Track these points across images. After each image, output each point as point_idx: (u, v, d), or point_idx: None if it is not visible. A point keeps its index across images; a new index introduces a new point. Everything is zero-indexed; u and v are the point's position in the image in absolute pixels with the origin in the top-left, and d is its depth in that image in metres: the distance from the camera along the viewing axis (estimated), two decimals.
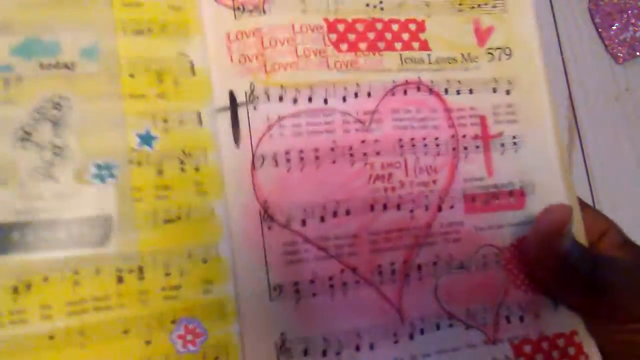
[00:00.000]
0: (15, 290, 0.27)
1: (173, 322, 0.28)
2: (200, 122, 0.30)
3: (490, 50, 0.35)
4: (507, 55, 0.35)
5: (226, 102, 0.30)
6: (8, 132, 0.28)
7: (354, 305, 0.30)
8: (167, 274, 0.29)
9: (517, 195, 0.34)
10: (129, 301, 0.28)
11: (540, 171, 0.34)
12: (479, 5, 0.35)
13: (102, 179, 0.29)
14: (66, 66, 0.29)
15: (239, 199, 0.29)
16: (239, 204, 0.29)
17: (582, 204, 0.35)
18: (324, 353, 0.29)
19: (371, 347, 0.30)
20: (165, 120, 0.30)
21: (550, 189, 0.34)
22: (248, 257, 0.29)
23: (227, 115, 0.30)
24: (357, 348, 0.30)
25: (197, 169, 0.30)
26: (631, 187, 0.60)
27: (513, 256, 0.33)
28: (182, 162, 0.30)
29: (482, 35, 0.35)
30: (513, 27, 0.35)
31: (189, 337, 0.28)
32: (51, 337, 0.27)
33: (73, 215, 0.28)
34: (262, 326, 0.29)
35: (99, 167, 0.29)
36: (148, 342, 0.28)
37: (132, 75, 0.30)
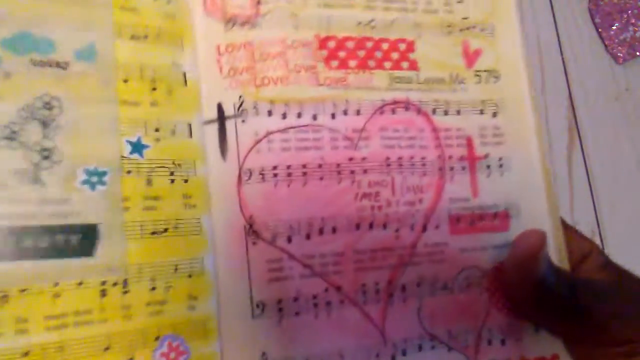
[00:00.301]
0: None
1: (157, 338, 0.27)
2: (190, 133, 0.30)
3: (478, 73, 0.35)
4: (494, 78, 0.35)
5: (214, 114, 0.30)
6: None
7: (337, 325, 0.30)
8: (153, 288, 0.28)
9: (501, 217, 0.34)
10: (112, 316, 0.27)
11: (525, 194, 0.34)
12: (467, 28, 0.35)
13: (92, 185, 0.27)
14: (59, 65, 0.28)
15: (224, 213, 0.29)
16: (225, 219, 0.29)
17: (566, 226, 0.36)
18: None
19: None
20: (157, 130, 0.29)
21: (534, 211, 0.34)
22: (231, 273, 0.29)
23: (215, 127, 0.30)
24: None
25: (186, 181, 0.29)
26: (631, 187, 0.60)
27: (495, 278, 0.33)
28: (172, 173, 0.29)
29: (470, 57, 0.35)
30: (500, 50, 0.36)
31: (172, 355, 0.27)
32: (26, 354, 0.25)
33: (59, 223, 0.27)
34: (243, 345, 0.28)
35: (89, 173, 0.27)
36: (131, 359, 0.27)
37: (126, 81, 0.29)
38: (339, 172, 0.31)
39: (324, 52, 0.32)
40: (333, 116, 0.31)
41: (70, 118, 0.28)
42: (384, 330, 0.31)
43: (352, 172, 0.31)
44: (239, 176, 0.29)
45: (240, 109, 0.30)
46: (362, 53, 0.33)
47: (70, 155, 0.27)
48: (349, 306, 0.30)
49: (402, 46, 0.34)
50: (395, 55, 0.34)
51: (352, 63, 0.32)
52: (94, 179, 0.27)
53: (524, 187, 0.35)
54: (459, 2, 0.35)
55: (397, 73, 0.33)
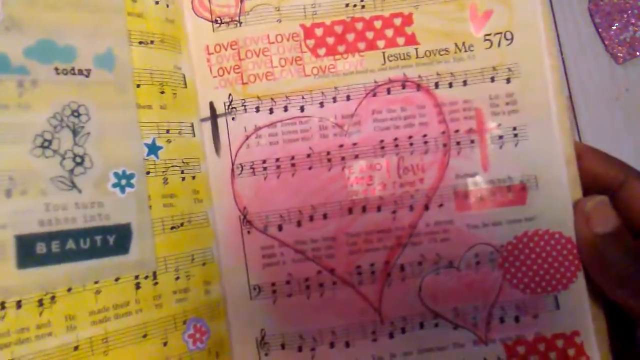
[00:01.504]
0: (41, 303, 0.27)
1: (184, 322, 0.31)
2: (193, 132, 0.32)
3: (487, 37, 0.33)
4: (507, 40, 0.33)
5: (208, 112, 0.32)
6: (26, 139, 0.28)
7: (330, 305, 0.32)
8: (177, 278, 0.31)
9: (516, 190, 0.32)
10: (146, 306, 0.30)
11: (544, 164, 0.32)
12: None
13: (122, 188, 0.30)
14: (81, 72, 0.29)
15: (222, 206, 0.32)
16: (223, 211, 0.32)
17: (593, 151, 0.33)
18: (299, 348, 0.31)
19: (347, 344, 0.31)
20: (168, 131, 0.31)
21: (554, 182, 0.32)
22: (231, 260, 0.32)
23: (209, 125, 0.32)
24: (332, 345, 0.31)
25: (193, 177, 0.32)
26: None
27: (510, 254, 0.32)
28: (182, 172, 0.32)
29: (479, 20, 0.33)
30: (515, 6, 0.33)
31: (197, 336, 0.31)
32: (76, 348, 0.27)
33: (96, 225, 0.29)
34: (244, 323, 0.32)
35: (118, 176, 0.30)
36: (165, 344, 0.30)
37: (139, 86, 0.31)
38: (329, 160, 0.32)
39: (311, 42, 0.32)
40: (322, 105, 0.32)
41: (97, 124, 0.29)
42: (380, 309, 0.32)
43: (343, 158, 0.32)
44: (232, 170, 0.32)
45: (230, 107, 0.32)
46: (351, 36, 0.33)
47: (100, 160, 0.29)
48: (343, 287, 0.32)
49: (398, 21, 0.33)
50: (389, 33, 0.33)
51: (341, 48, 0.32)
52: (123, 181, 0.30)
53: (542, 157, 0.32)
54: None
55: (391, 51, 0.33)
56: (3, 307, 0.26)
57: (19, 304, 0.27)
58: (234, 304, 0.32)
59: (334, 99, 0.32)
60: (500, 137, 0.32)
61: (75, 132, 0.29)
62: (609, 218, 0.31)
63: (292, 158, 0.32)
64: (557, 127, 0.32)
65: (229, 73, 0.32)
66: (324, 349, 0.31)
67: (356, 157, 0.32)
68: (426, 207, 0.32)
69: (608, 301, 0.32)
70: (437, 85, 0.33)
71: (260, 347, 0.31)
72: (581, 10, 0.60)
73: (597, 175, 0.32)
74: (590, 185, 0.33)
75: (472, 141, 0.32)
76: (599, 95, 0.59)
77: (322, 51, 0.32)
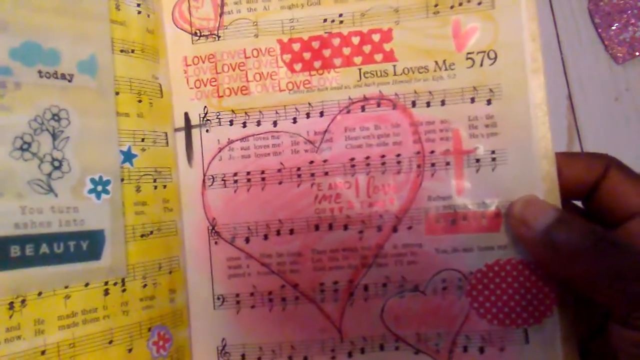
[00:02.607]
0: (11, 306, 0.27)
1: (149, 329, 0.31)
2: (167, 142, 0.33)
3: (470, 55, 0.31)
4: (490, 59, 0.31)
5: (182, 123, 0.33)
6: (6, 141, 0.28)
7: (292, 320, 0.32)
8: (144, 285, 0.32)
9: (491, 216, 0.31)
10: (114, 312, 0.30)
11: (522, 190, 0.31)
12: (460, 4, 0.31)
13: (97, 194, 0.31)
14: (64, 77, 0.30)
15: (191, 215, 0.33)
16: (192, 220, 0.33)
17: (570, 155, 0.32)
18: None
19: (305, 359, 0.32)
20: (143, 139, 0.32)
21: None
22: (197, 269, 0.33)
23: (183, 135, 0.33)
24: (290, 359, 0.32)
25: (165, 187, 0.33)
26: None
27: (479, 282, 0.31)
28: (155, 180, 0.33)
29: (461, 38, 0.31)
30: (500, 25, 0.31)
31: (161, 343, 0.32)
32: (43, 352, 0.28)
33: (70, 230, 0.29)
34: (206, 331, 0.33)
35: (94, 182, 0.30)
36: (130, 350, 0.30)
37: (117, 93, 0.31)
38: (299, 176, 0.32)
39: (287, 56, 0.32)
40: (294, 120, 0.32)
41: (77, 129, 0.30)
42: (340, 328, 0.32)
43: (313, 175, 0.32)
44: (204, 181, 0.33)
45: (205, 119, 0.33)
46: (327, 52, 0.32)
47: (78, 165, 0.30)
48: (305, 303, 0.32)
49: (377, 37, 0.32)
50: (367, 49, 0.32)
51: (317, 64, 0.32)
52: (99, 187, 0.31)
53: (520, 183, 0.31)
54: None
55: (368, 67, 0.32)
56: None
57: None
58: (196, 313, 0.33)
59: (307, 115, 0.32)
60: (478, 160, 0.31)
61: (54, 136, 0.29)
62: (544, 209, 0.29)
63: (263, 172, 0.32)
64: (539, 152, 0.30)
65: (205, 85, 0.33)
66: None
67: (326, 174, 0.32)
68: (395, 229, 0.32)
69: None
70: (414, 103, 0.32)
71: (221, 356, 0.32)
72: (581, 10, 0.59)
73: (578, 176, 0.31)
74: (575, 189, 0.31)
75: (448, 163, 0.31)
76: (598, 95, 0.58)
77: (298, 66, 0.32)
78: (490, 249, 0.31)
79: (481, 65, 0.31)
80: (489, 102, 0.31)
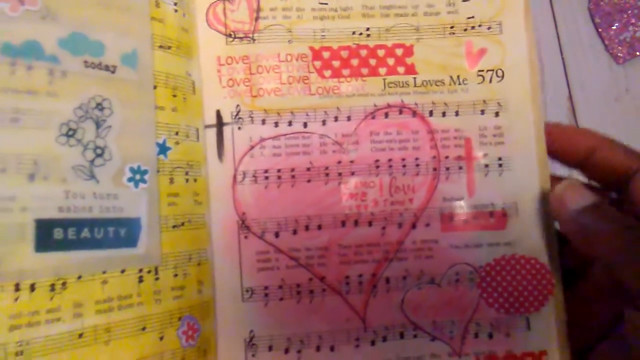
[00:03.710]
0: (53, 288, 0.28)
1: (179, 319, 0.32)
2: (197, 137, 0.34)
3: (480, 73, 0.35)
4: (498, 77, 0.35)
5: (213, 120, 0.34)
6: (53, 126, 0.29)
7: (318, 311, 0.34)
8: (175, 275, 0.32)
9: (498, 216, 0.35)
10: (147, 300, 0.31)
11: (524, 194, 0.35)
12: (472, 28, 0.36)
13: (136, 183, 0.31)
14: (108, 68, 0.31)
15: (221, 209, 0.34)
16: (221, 214, 0.34)
17: (610, 142, 0.35)
18: (286, 350, 0.33)
19: (332, 349, 0.33)
20: (177, 133, 0.33)
21: (532, 211, 0.35)
22: (226, 262, 0.34)
23: (214, 132, 0.34)
24: (318, 349, 0.33)
25: (195, 180, 0.34)
26: None
27: (488, 275, 0.34)
28: (187, 173, 0.33)
29: (473, 57, 0.36)
30: (507, 48, 0.36)
31: (190, 333, 0.32)
32: (81, 335, 0.28)
33: (110, 216, 0.30)
34: (234, 323, 0.33)
35: (133, 171, 0.31)
36: (161, 338, 0.31)
37: (155, 87, 0.32)
38: (326, 175, 0.34)
39: (318, 63, 0.35)
40: (324, 123, 0.34)
41: (118, 119, 0.31)
42: (364, 318, 0.34)
43: (340, 174, 0.34)
44: (234, 177, 0.34)
45: (237, 117, 0.34)
46: (355, 61, 0.35)
47: (119, 154, 0.30)
48: (332, 295, 0.34)
49: (400, 51, 0.35)
50: (391, 61, 0.35)
51: (346, 72, 0.35)
52: (138, 176, 0.31)
53: (522, 187, 0.35)
54: (465, 1, 0.36)
55: (391, 78, 0.35)
56: (17, 289, 0.27)
57: (32, 287, 0.27)
58: (223, 305, 0.33)
59: (336, 118, 0.35)
60: (486, 165, 0.35)
61: (98, 125, 0.30)
62: (583, 194, 0.32)
63: (293, 170, 0.34)
64: (536, 162, 0.35)
65: (238, 85, 0.34)
66: (310, 352, 0.33)
67: (352, 174, 0.34)
68: (414, 226, 0.35)
69: (586, 298, 0.34)
70: (431, 113, 0.35)
71: (248, 347, 0.33)
72: (581, 10, 0.60)
73: (613, 165, 0.34)
74: (605, 175, 0.34)
75: (460, 167, 0.35)
76: (599, 95, 0.58)
77: (327, 73, 0.35)
78: (497, 245, 0.35)
79: (490, 82, 0.35)
80: (496, 114, 0.35)
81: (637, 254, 0.29)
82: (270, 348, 0.33)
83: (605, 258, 0.31)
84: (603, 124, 0.58)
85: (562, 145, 0.35)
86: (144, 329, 0.30)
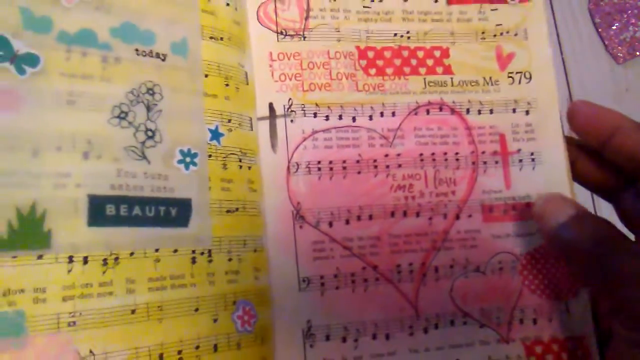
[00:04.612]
0: (105, 262, 0.29)
1: (234, 303, 0.32)
2: (251, 127, 0.35)
3: (510, 75, 0.38)
4: (527, 78, 0.38)
5: (266, 112, 0.35)
6: (106, 109, 0.30)
7: (373, 300, 0.34)
8: (230, 259, 0.32)
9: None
10: (200, 281, 0.31)
11: (555, 186, 0.37)
12: (501, 34, 0.38)
13: (186, 165, 0.32)
14: (159, 56, 0.32)
15: (275, 199, 0.34)
16: (275, 204, 0.34)
17: (586, 105, 0.35)
18: (344, 339, 0.33)
19: (387, 337, 0.34)
20: (230, 120, 0.34)
21: None
22: (281, 252, 0.34)
23: (267, 124, 0.35)
24: (374, 337, 0.33)
25: (249, 167, 0.34)
26: None
27: (529, 263, 0.36)
28: (240, 160, 0.34)
29: (503, 60, 0.38)
30: (533, 53, 0.38)
31: (246, 318, 0.32)
32: (133, 311, 0.29)
33: (161, 195, 0.31)
34: (291, 313, 0.33)
35: (183, 153, 0.32)
36: (215, 320, 0.31)
37: (207, 75, 0.33)
38: (375, 167, 0.35)
39: (364, 62, 0.36)
40: (370, 118, 0.36)
41: (168, 104, 0.32)
42: (417, 306, 0.34)
43: (388, 166, 0.35)
44: (288, 168, 0.34)
45: (290, 109, 0.35)
46: (398, 61, 0.37)
47: (169, 137, 0.32)
48: (385, 283, 0.34)
49: (437, 53, 0.38)
50: (430, 62, 0.37)
51: (389, 70, 0.37)
52: (188, 159, 0.32)
53: (554, 179, 0.37)
54: (493, 10, 0.39)
55: (431, 77, 0.37)
56: (71, 261, 0.28)
57: (85, 260, 0.28)
58: (280, 295, 0.33)
59: (382, 114, 0.36)
60: (521, 160, 0.37)
61: (149, 108, 0.31)
62: (561, 207, 0.33)
63: (344, 162, 0.35)
64: (564, 156, 0.37)
65: (290, 79, 0.35)
66: (366, 340, 0.33)
67: (399, 166, 0.36)
68: (457, 217, 0.36)
69: None
70: (468, 111, 0.37)
71: (307, 337, 0.33)
72: (581, 10, 0.61)
73: (590, 126, 0.35)
74: (624, 159, 0.34)
75: (497, 162, 0.37)
76: (599, 95, 0.58)
77: (372, 71, 0.36)
78: (535, 234, 0.36)
79: (519, 83, 0.38)
80: (527, 112, 0.38)
81: (613, 273, 0.30)
82: (327, 337, 0.33)
83: (585, 276, 0.32)
84: None
85: (587, 121, 0.35)
86: (197, 310, 0.31)
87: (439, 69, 0.37)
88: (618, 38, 0.61)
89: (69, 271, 0.27)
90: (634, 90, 0.60)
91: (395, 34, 0.37)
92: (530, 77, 0.38)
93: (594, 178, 0.37)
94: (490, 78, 0.38)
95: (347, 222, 0.34)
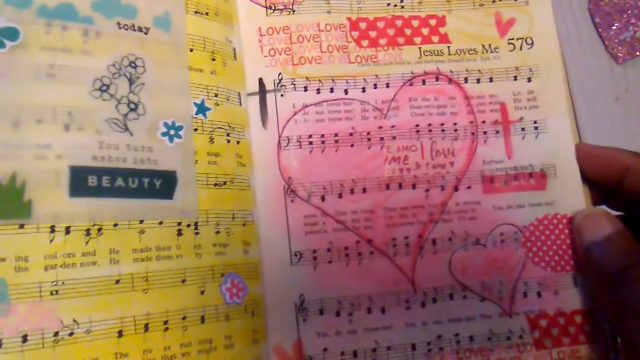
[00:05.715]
0: (88, 233, 0.29)
1: (222, 275, 0.32)
2: (240, 102, 0.35)
3: (511, 41, 0.37)
4: (528, 44, 0.37)
5: (256, 87, 0.35)
6: (86, 81, 0.30)
7: (367, 273, 0.33)
8: (217, 232, 0.32)
9: (537, 176, 0.35)
10: (187, 253, 0.31)
11: (561, 155, 0.35)
12: (500, 0, 0.37)
13: (170, 138, 0.32)
14: (141, 29, 0.32)
15: (266, 174, 0.34)
16: (266, 179, 0.34)
17: (593, 149, 0.35)
18: (338, 313, 0.33)
19: (382, 311, 0.33)
20: (216, 95, 0.34)
21: (570, 172, 0.35)
22: (272, 226, 0.33)
23: (256, 99, 0.35)
24: (369, 311, 0.33)
25: (238, 142, 0.34)
26: None
27: (532, 234, 0.35)
28: (228, 134, 0.34)
29: (503, 27, 0.37)
30: (534, 18, 0.37)
31: (234, 291, 0.32)
32: (117, 281, 0.29)
33: (144, 167, 0.31)
34: (283, 288, 0.33)
35: (167, 126, 0.32)
36: (202, 292, 0.31)
37: (192, 50, 0.33)
38: (369, 139, 0.35)
39: (356, 33, 0.36)
40: (363, 90, 0.35)
41: (151, 77, 0.32)
42: (413, 279, 0.34)
43: (382, 138, 0.35)
44: (279, 143, 0.34)
45: (280, 84, 0.35)
46: (392, 31, 0.36)
47: (152, 109, 0.31)
48: (380, 257, 0.34)
49: (433, 22, 0.37)
50: (425, 31, 0.36)
51: (382, 41, 0.36)
52: (172, 132, 0.32)
53: (559, 148, 0.36)
54: None
55: (427, 47, 0.36)
56: (53, 231, 0.28)
57: (67, 230, 0.28)
58: (272, 269, 0.33)
59: (375, 86, 0.35)
60: (523, 129, 0.36)
61: (131, 81, 0.32)
62: (598, 225, 0.33)
63: (336, 135, 0.34)
64: (569, 123, 0.36)
65: (280, 54, 0.35)
66: (361, 314, 0.33)
67: (394, 138, 0.35)
68: (456, 188, 0.35)
69: None
70: (466, 80, 0.36)
71: (299, 311, 0.33)
72: (581, 10, 0.60)
73: (599, 174, 0.35)
74: (599, 183, 0.35)
75: (497, 132, 0.36)
76: (598, 95, 0.59)
77: (365, 42, 0.36)
78: (538, 205, 0.35)
79: (521, 49, 0.37)
80: (529, 79, 0.36)
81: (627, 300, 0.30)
82: (321, 312, 0.33)
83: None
84: (603, 124, 0.58)
85: (594, 167, 0.35)
86: (183, 281, 0.31)
87: (435, 38, 0.36)
88: (618, 38, 0.60)
89: (51, 241, 0.28)
90: (634, 90, 0.59)
91: (389, 4, 0.36)
92: (532, 43, 0.37)
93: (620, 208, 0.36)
94: (490, 45, 0.37)
95: (340, 195, 0.34)
